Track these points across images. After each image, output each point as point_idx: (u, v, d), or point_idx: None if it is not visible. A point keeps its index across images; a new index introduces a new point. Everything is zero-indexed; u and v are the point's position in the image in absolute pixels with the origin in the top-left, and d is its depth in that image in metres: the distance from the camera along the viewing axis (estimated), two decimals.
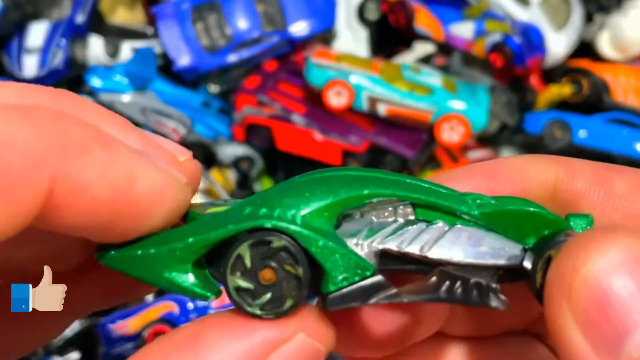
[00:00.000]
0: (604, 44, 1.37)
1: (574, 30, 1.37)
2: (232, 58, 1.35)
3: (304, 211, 0.23)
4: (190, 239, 0.23)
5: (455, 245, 0.24)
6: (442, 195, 0.24)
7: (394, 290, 0.23)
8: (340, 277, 0.22)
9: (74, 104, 0.23)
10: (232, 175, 1.36)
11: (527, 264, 0.23)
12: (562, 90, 1.37)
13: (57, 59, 1.30)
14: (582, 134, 1.33)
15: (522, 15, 1.37)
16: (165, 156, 0.23)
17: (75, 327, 1.15)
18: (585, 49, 1.39)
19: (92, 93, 1.29)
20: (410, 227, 0.24)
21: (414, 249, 0.23)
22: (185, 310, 1.27)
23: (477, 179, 0.26)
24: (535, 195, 0.25)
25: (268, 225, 0.22)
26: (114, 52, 1.37)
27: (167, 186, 0.22)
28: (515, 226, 0.24)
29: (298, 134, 1.31)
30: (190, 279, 0.23)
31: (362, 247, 0.23)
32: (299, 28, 1.36)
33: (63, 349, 1.14)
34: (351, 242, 0.23)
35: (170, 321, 1.25)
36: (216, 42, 1.35)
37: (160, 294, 1.28)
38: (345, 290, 0.23)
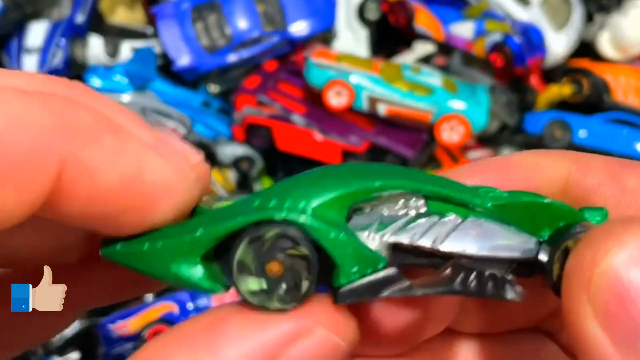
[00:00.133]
0: (604, 44, 1.37)
1: (574, 30, 1.37)
2: (232, 58, 1.35)
3: (315, 203, 0.22)
4: (199, 232, 0.22)
5: (468, 238, 0.23)
6: (455, 187, 0.24)
7: (406, 284, 0.22)
8: (352, 270, 0.22)
9: (88, 95, 0.23)
10: (232, 175, 1.36)
11: (543, 257, 0.23)
12: (562, 90, 1.37)
13: (57, 59, 1.30)
14: (582, 134, 1.33)
15: (522, 15, 1.37)
16: (177, 153, 0.23)
17: (75, 327, 1.15)
18: (585, 48, 1.39)
19: None
20: (422, 220, 0.23)
21: (426, 242, 0.23)
22: (185, 311, 1.27)
23: (488, 174, 0.26)
24: (546, 190, 0.25)
25: (278, 216, 0.22)
26: (113, 52, 1.37)
27: (177, 179, 0.22)
28: (529, 219, 0.24)
29: (298, 134, 1.31)
30: (198, 272, 0.22)
31: (374, 240, 0.23)
32: (299, 28, 1.36)
33: (63, 349, 1.14)
34: (362, 236, 0.23)
35: (170, 321, 1.25)
36: (216, 42, 1.35)
37: (160, 294, 1.28)
38: (357, 283, 0.22)
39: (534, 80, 1.39)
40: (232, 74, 1.40)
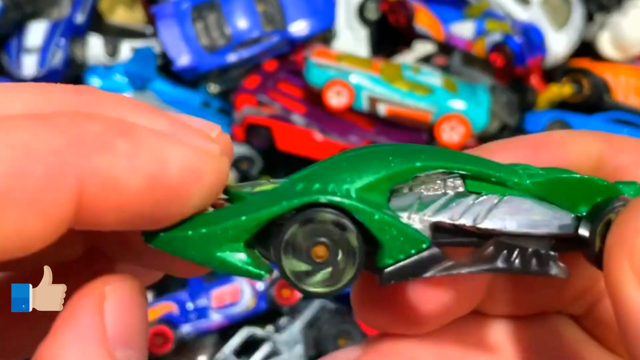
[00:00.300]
0: (605, 44, 1.37)
1: (574, 30, 1.37)
2: (232, 58, 1.35)
3: (358, 185, 0.22)
4: (244, 217, 0.22)
5: (508, 216, 0.23)
6: (492, 166, 0.24)
7: (450, 263, 0.22)
8: (396, 251, 0.22)
9: (97, 99, 0.22)
10: (231, 175, 1.36)
11: (584, 231, 0.23)
12: (562, 90, 1.37)
13: (57, 59, 1.30)
14: None
15: (522, 14, 1.37)
16: (196, 133, 0.23)
17: None
18: (585, 48, 1.39)
19: None
20: (461, 200, 0.23)
21: (466, 221, 0.23)
22: (185, 311, 1.27)
23: (521, 150, 0.26)
24: (578, 169, 0.25)
25: (323, 200, 0.22)
26: (113, 51, 1.37)
27: (202, 161, 0.22)
28: (566, 195, 0.24)
29: (298, 133, 1.31)
30: (243, 258, 0.23)
31: (414, 220, 0.23)
32: (299, 28, 1.36)
33: None
34: (403, 216, 0.23)
35: (170, 321, 1.25)
36: (216, 42, 1.35)
37: (160, 294, 1.28)
38: (401, 263, 0.22)
39: (534, 80, 1.39)
40: (232, 74, 1.40)
